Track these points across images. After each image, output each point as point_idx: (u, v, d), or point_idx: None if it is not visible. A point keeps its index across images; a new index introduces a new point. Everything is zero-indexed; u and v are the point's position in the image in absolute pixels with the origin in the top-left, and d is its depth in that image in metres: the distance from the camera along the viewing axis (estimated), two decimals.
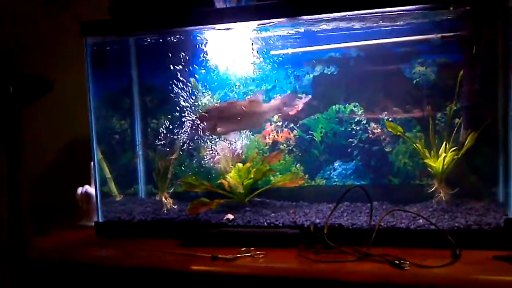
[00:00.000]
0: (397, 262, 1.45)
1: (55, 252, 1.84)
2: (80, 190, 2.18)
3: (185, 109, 2.13)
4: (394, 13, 1.75)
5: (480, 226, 1.62)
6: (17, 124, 1.58)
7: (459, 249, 1.51)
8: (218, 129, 1.99)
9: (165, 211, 2.04)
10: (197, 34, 2.02)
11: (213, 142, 2.09)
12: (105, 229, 2.00)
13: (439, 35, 1.92)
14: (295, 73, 2.14)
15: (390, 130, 1.94)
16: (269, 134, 2.19)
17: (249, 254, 1.62)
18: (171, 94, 2.16)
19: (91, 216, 2.15)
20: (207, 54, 2.05)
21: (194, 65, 2.07)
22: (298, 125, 2.16)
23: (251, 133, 2.18)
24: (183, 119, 2.11)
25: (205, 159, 2.08)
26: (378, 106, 2.05)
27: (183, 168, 2.21)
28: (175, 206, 2.07)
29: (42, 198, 2.52)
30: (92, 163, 2.08)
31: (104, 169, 2.19)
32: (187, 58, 2.03)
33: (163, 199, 2.10)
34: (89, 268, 1.72)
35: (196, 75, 2.10)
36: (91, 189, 2.16)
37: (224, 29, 1.93)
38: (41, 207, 2.49)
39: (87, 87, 2.00)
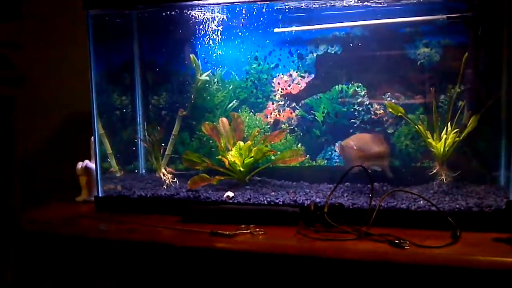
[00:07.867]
0: (397, 241, 1.45)
1: (53, 225, 1.84)
2: (80, 164, 2.17)
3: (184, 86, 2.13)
4: None
5: (481, 208, 1.62)
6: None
7: (459, 230, 1.51)
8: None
9: (165, 187, 2.04)
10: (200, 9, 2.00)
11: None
12: (105, 204, 2.00)
13: (444, 16, 1.90)
14: (298, 51, 2.12)
15: (391, 110, 1.92)
16: (271, 113, 2.18)
17: (249, 231, 1.62)
18: (172, 70, 2.16)
19: (91, 191, 2.15)
20: (210, 30, 2.04)
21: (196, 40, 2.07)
22: (300, 105, 2.15)
23: (253, 112, 2.18)
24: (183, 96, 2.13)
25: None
26: (381, 87, 2.03)
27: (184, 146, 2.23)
28: (175, 179, 2.08)
29: (42, 173, 2.53)
30: (92, 138, 2.07)
31: (105, 144, 2.18)
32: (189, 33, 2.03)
33: (162, 175, 2.09)
34: (88, 241, 1.73)
35: (197, 51, 2.10)
36: (91, 164, 2.16)
37: (226, 3, 1.91)
38: (41, 181, 2.50)
39: (89, 61, 1.98)
